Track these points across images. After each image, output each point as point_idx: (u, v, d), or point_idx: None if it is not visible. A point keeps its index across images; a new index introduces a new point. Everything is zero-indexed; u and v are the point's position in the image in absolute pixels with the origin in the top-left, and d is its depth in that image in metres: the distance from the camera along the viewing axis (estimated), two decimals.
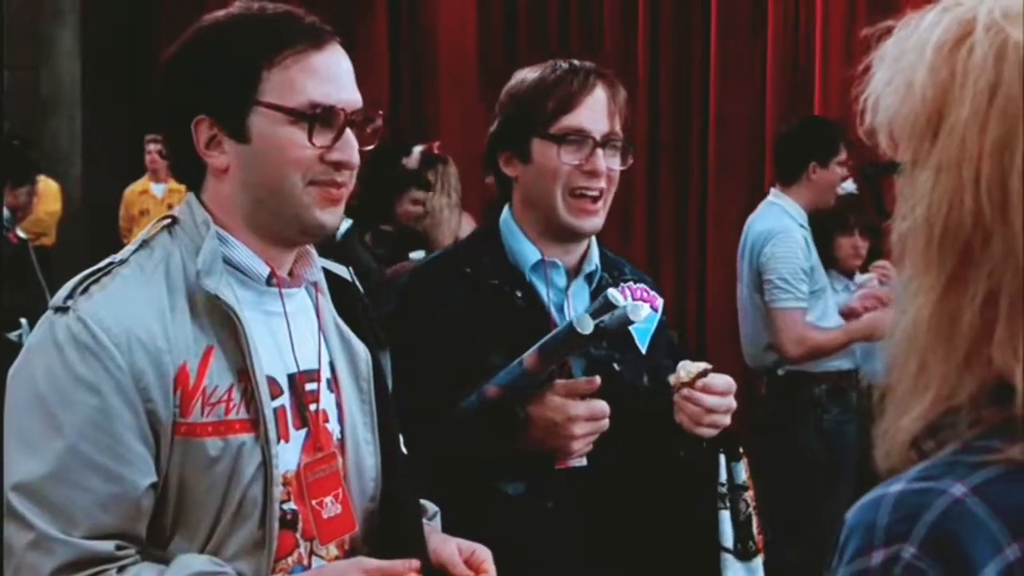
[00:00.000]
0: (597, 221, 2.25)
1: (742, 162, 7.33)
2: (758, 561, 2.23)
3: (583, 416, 2.10)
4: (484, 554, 1.83)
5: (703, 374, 2.15)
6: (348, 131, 1.66)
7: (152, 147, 8.46)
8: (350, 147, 1.67)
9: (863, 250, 4.81)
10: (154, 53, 9.65)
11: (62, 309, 1.58)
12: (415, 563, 1.67)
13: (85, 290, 1.59)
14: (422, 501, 1.91)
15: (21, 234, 6.38)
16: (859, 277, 4.84)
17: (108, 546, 1.54)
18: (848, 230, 4.74)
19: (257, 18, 1.67)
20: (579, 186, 2.22)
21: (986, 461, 0.92)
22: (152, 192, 8.62)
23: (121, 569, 1.55)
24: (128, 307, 1.58)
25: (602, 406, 2.12)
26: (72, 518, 1.53)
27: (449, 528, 1.93)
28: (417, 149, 6.51)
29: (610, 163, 2.24)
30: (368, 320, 1.86)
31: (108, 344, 1.54)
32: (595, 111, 2.23)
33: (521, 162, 2.27)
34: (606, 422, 2.13)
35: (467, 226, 6.50)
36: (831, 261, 4.72)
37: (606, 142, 2.23)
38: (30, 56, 9.09)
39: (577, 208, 2.22)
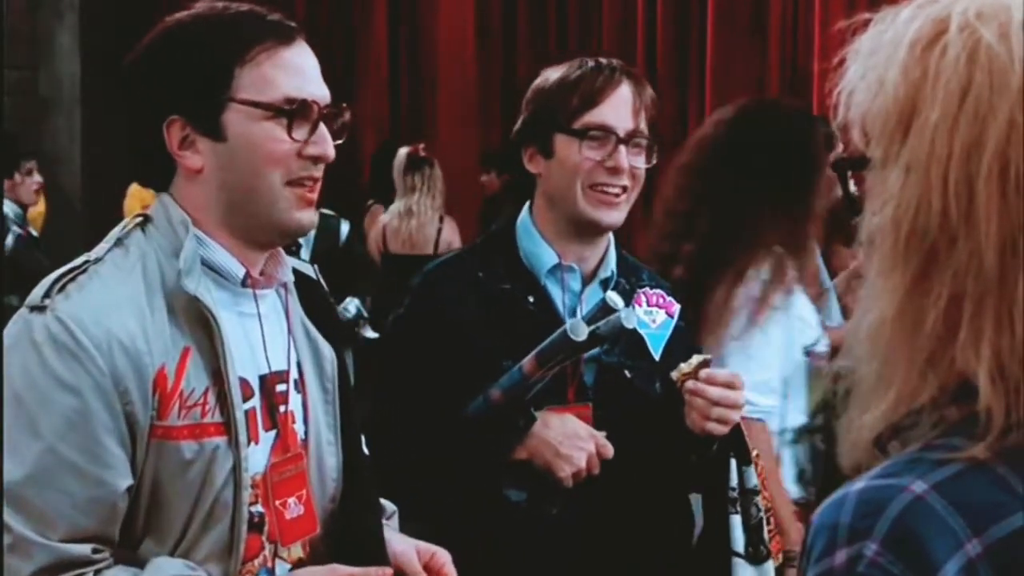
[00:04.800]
0: (618, 215, 2.21)
1: None
2: (769, 565, 2.23)
3: (588, 451, 2.12)
4: (444, 557, 1.83)
5: (704, 364, 2.14)
6: (322, 125, 1.66)
7: None
8: (325, 141, 1.66)
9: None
10: None
11: (39, 308, 1.56)
12: (388, 571, 1.67)
13: (62, 288, 1.57)
14: (381, 501, 1.91)
15: (32, 231, 6.35)
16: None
17: (85, 549, 1.53)
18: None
19: (223, 16, 1.67)
20: (600, 182, 2.19)
21: (948, 459, 0.93)
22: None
23: (97, 572, 1.54)
24: (107, 307, 1.56)
25: (609, 449, 2.13)
26: (50, 520, 1.51)
27: (453, 533, 1.93)
28: (403, 151, 6.52)
29: (634, 161, 2.20)
30: (334, 319, 1.86)
31: (88, 345, 1.52)
32: (619, 107, 2.20)
33: (544, 158, 2.24)
34: (598, 467, 2.13)
35: (449, 231, 6.54)
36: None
37: (630, 139, 2.20)
38: (30, 56, 9.10)
39: (597, 200, 2.19)
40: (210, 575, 1.59)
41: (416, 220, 6.50)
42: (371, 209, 6.82)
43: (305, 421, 1.75)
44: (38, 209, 7.90)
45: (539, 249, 2.25)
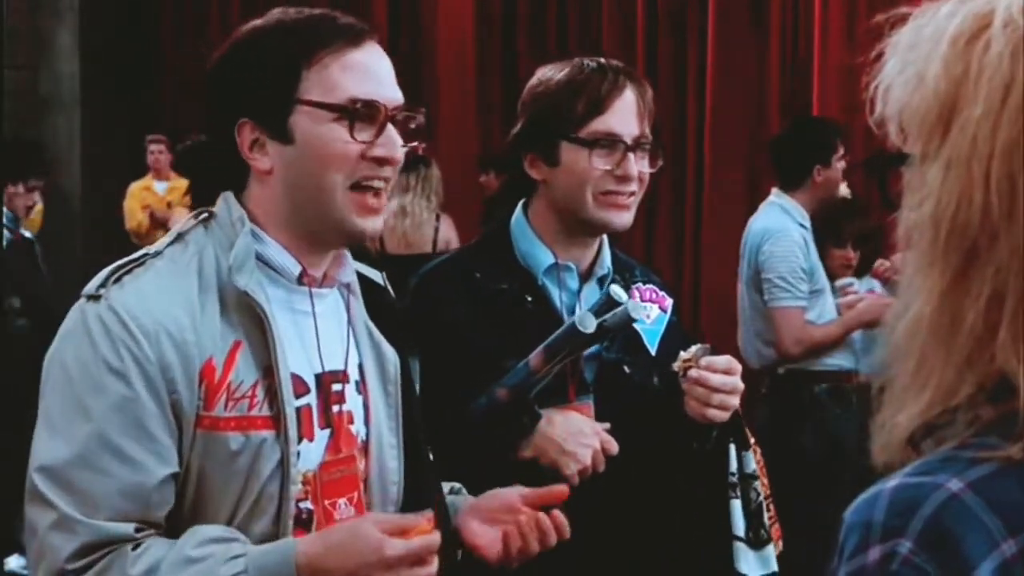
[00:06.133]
0: (628, 217, 2.21)
1: (739, 162, 7.33)
2: (770, 549, 2.24)
3: (593, 447, 2.12)
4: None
5: (704, 352, 2.15)
6: (390, 126, 1.67)
7: (154, 147, 8.65)
8: (392, 143, 1.67)
9: (854, 261, 4.81)
10: (153, 52, 9.68)
11: (94, 297, 1.60)
12: (428, 513, 1.66)
13: (118, 280, 1.61)
14: (446, 484, 1.92)
15: (27, 233, 6.35)
16: (839, 282, 4.83)
17: (128, 528, 1.56)
18: (841, 242, 4.71)
19: (294, 20, 1.69)
20: (610, 190, 2.19)
21: (983, 457, 0.91)
22: (154, 189, 8.74)
23: (136, 546, 1.56)
24: (159, 299, 1.59)
25: (613, 446, 2.14)
26: (94, 503, 1.55)
27: None
28: None
29: (640, 165, 2.20)
30: (399, 324, 1.86)
31: (138, 334, 1.56)
32: (625, 113, 2.19)
33: (548, 165, 2.23)
34: (603, 464, 2.14)
35: (447, 229, 6.53)
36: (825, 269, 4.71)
37: (637, 145, 2.20)
38: (29, 56, 9.09)
39: (608, 203, 2.19)
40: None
41: (410, 220, 6.49)
42: None
43: (366, 423, 1.76)
44: (36, 207, 7.88)
45: (535, 249, 2.25)
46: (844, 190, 4.81)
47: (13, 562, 5.17)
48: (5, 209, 5.94)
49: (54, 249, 7.97)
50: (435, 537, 1.61)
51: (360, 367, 1.77)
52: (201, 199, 1.75)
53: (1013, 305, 0.91)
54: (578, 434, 2.13)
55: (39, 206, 8.05)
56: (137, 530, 1.57)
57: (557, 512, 1.83)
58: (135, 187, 8.73)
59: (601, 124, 2.18)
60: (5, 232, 5.81)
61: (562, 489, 1.83)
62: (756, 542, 2.22)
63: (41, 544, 1.56)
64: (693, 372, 2.14)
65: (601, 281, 2.28)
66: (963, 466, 0.92)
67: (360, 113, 1.64)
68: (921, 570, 0.88)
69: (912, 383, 0.96)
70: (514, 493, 1.84)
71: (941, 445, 0.95)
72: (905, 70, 0.97)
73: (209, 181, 1.75)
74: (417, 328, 2.20)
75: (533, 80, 2.27)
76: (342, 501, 1.71)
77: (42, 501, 1.55)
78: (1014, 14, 0.93)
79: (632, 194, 2.21)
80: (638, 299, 2.27)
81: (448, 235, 6.51)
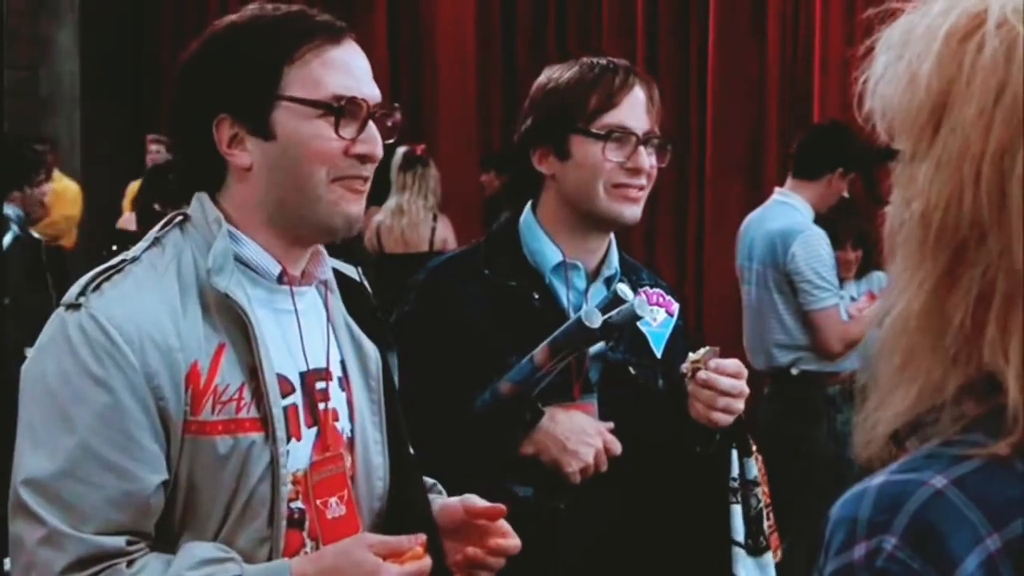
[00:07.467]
0: (637, 210, 2.24)
1: (741, 164, 7.33)
2: (769, 556, 2.25)
3: (596, 447, 2.13)
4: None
5: (713, 355, 2.16)
6: (371, 123, 1.67)
7: (153, 147, 8.63)
8: (374, 140, 1.67)
9: (853, 261, 4.78)
10: (153, 52, 9.69)
11: (74, 306, 1.58)
12: (421, 537, 1.66)
13: (97, 287, 1.59)
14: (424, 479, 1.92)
15: (35, 235, 6.33)
16: (848, 288, 4.81)
17: (119, 541, 1.55)
18: (840, 244, 4.68)
19: (272, 17, 1.69)
20: (621, 183, 2.22)
21: (968, 454, 0.92)
22: None
23: (130, 563, 1.55)
24: (140, 305, 1.58)
25: (616, 446, 2.15)
26: (83, 515, 1.53)
27: None
28: (400, 150, 6.50)
29: (649, 160, 2.24)
30: (377, 320, 1.86)
31: (120, 342, 1.54)
32: (636, 109, 2.24)
33: (558, 159, 2.25)
34: (605, 464, 2.15)
35: (444, 229, 6.53)
36: None
37: (647, 140, 2.23)
38: (30, 56, 9.10)
39: (619, 196, 2.22)
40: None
41: (407, 219, 6.49)
42: (367, 211, 6.81)
43: (351, 419, 1.76)
44: (64, 212, 7.84)
45: (543, 247, 2.26)
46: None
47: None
48: (13, 208, 5.92)
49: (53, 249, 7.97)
50: (427, 562, 1.64)
51: (342, 364, 1.77)
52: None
53: (1001, 304, 0.91)
54: (581, 433, 2.15)
55: (73, 212, 8.01)
56: (129, 543, 1.56)
57: (498, 543, 1.81)
58: (135, 187, 8.73)
59: (613, 118, 2.21)
60: (15, 229, 5.79)
61: (501, 508, 1.82)
62: (755, 549, 2.23)
63: (31, 559, 1.54)
64: (701, 374, 2.15)
65: (608, 281, 2.30)
66: (948, 463, 0.92)
67: (344, 110, 1.64)
68: (906, 566, 0.89)
69: (898, 380, 0.97)
70: (458, 505, 1.84)
71: (926, 442, 0.95)
72: (896, 66, 0.96)
73: (185, 181, 1.73)
74: (424, 323, 2.22)
75: (541, 79, 2.31)
76: (333, 500, 1.71)
77: (29, 515, 1.54)
78: (1008, 14, 0.93)
79: (642, 188, 2.24)
80: (645, 302, 2.28)
81: (445, 234, 6.51)
